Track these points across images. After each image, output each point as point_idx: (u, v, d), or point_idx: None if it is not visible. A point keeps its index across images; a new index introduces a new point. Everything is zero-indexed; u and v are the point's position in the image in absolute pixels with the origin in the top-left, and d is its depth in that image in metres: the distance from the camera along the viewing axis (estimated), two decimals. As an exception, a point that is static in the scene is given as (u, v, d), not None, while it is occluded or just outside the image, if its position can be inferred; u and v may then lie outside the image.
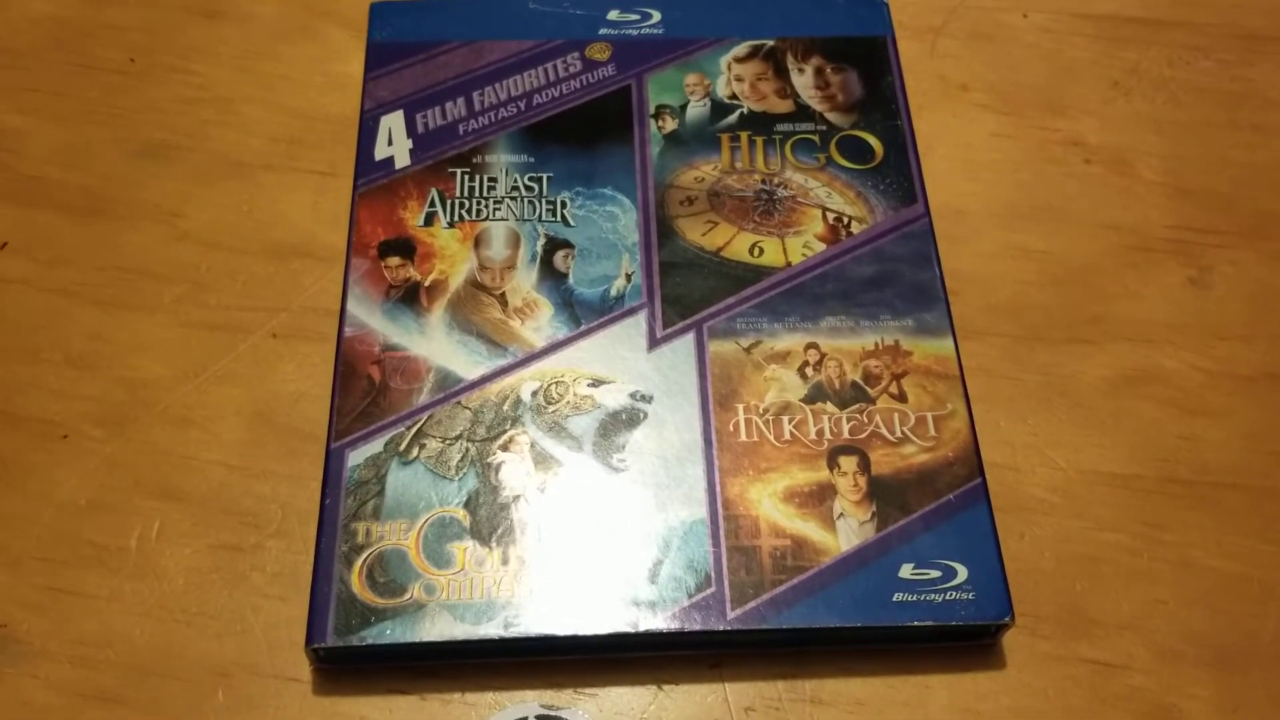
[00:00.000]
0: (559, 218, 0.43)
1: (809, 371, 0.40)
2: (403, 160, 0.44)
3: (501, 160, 0.45)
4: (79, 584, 0.38)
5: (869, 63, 0.48)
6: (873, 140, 0.46)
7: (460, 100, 0.46)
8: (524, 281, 0.42)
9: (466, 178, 0.44)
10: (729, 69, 0.47)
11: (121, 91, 0.48)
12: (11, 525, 0.39)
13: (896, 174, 0.45)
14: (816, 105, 0.47)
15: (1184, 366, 0.42)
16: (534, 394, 0.39)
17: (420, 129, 0.45)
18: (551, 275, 0.42)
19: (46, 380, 0.41)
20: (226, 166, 0.46)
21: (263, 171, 0.46)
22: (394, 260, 0.42)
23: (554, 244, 0.43)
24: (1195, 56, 0.50)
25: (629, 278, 0.42)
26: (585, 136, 0.45)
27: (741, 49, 0.48)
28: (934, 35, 0.50)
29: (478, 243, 0.43)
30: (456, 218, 0.43)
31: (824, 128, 0.46)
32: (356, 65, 0.48)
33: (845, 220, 0.44)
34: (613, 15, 0.49)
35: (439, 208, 0.44)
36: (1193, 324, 0.43)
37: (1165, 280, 0.44)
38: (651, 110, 0.46)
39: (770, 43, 0.48)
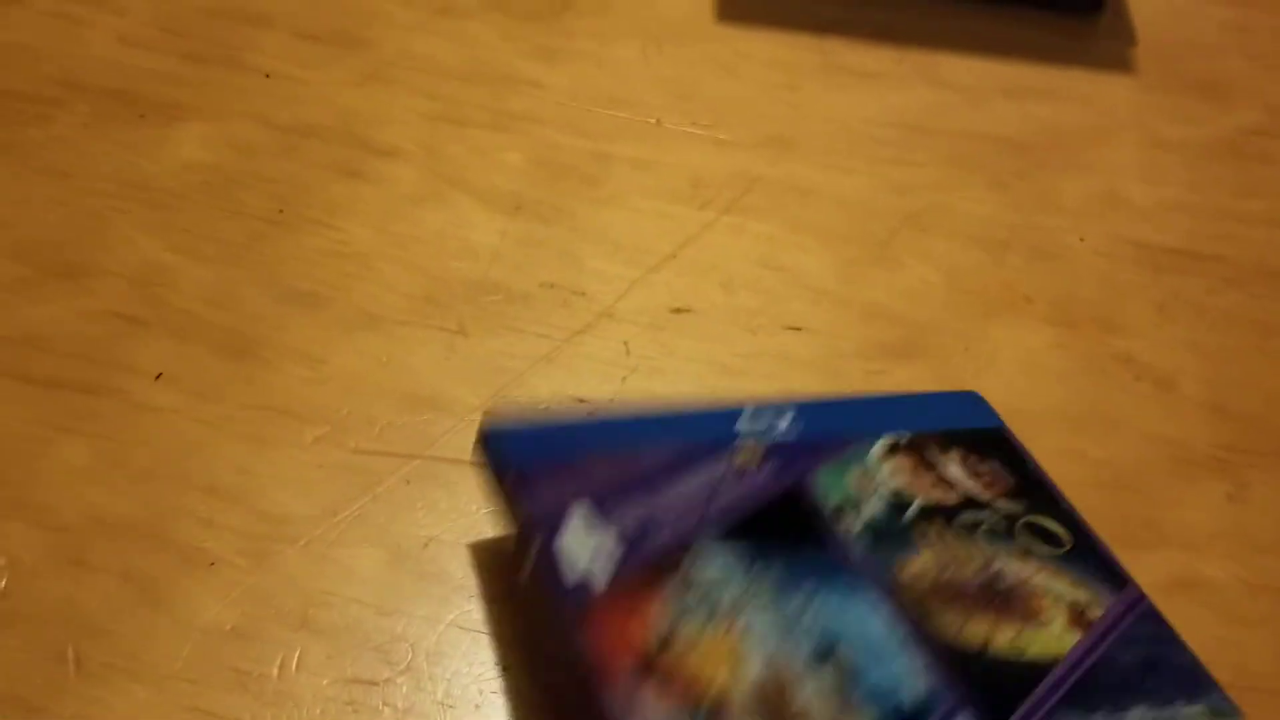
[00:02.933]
0: (804, 627, 0.40)
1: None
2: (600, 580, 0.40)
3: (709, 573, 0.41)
4: (221, 707, 0.41)
5: (1002, 452, 0.48)
6: (1053, 525, 0.46)
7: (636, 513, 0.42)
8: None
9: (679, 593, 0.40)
10: (882, 463, 0.46)
11: (268, 240, 0.53)
12: (158, 645, 0.42)
13: (1094, 556, 0.45)
14: (982, 494, 0.46)
15: (1226, 576, 0.47)
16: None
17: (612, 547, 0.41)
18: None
19: (195, 508, 0.45)
20: (364, 318, 0.51)
21: (397, 326, 0.51)
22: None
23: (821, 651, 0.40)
24: (1229, 288, 0.56)
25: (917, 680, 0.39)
26: (778, 540, 0.42)
27: (881, 446, 0.47)
28: (1002, 249, 0.56)
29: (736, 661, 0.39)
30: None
31: (1001, 514, 0.45)
32: (484, 232, 0.53)
33: (1081, 606, 0.43)
34: (743, 424, 0.46)
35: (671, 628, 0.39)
36: (1233, 536, 0.48)
37: (1208, 494, 0.49)
38: (831, 508, 0.44)
39: (906, 437, 0.47)
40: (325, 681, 0.41)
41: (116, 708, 0.40)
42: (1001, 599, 0.42)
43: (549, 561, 0.40)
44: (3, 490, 0.45)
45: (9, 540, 0.44)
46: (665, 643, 0.38)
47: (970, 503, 0.46)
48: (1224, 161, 0.61)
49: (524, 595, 0.44)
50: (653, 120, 0.59)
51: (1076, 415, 0.51)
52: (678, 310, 0.53)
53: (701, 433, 0.46)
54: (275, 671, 0.41)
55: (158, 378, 0.48)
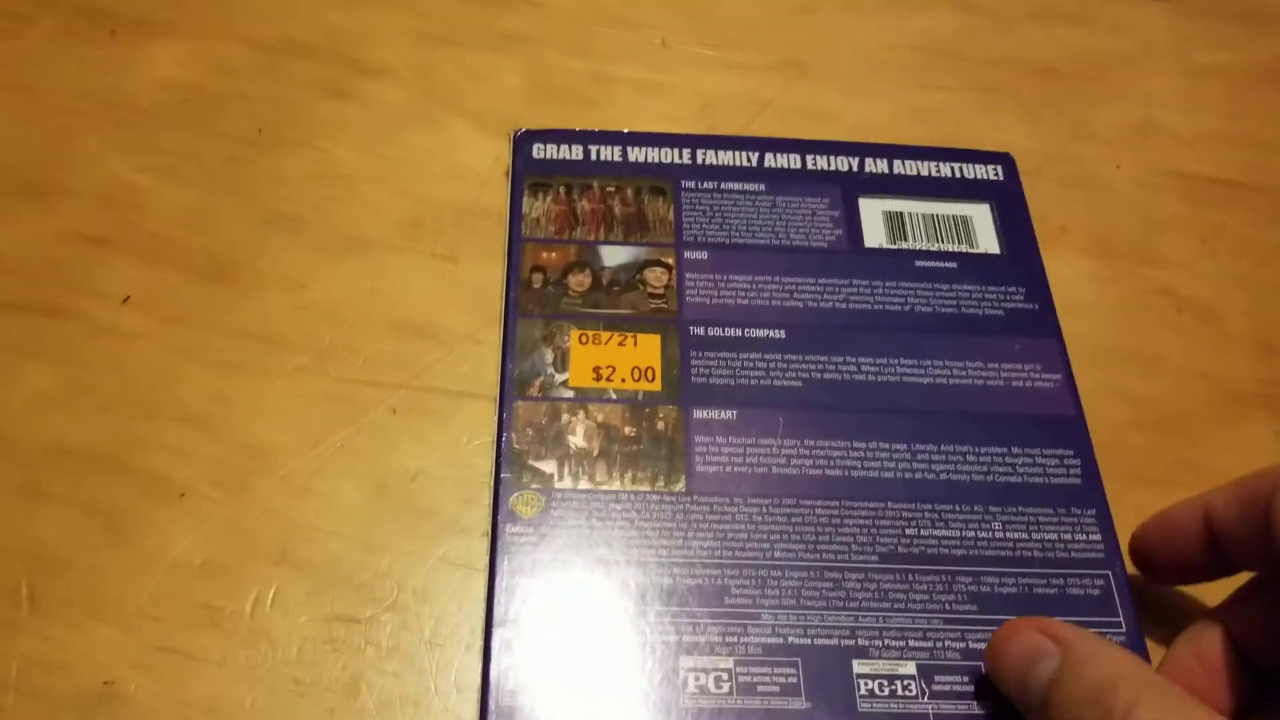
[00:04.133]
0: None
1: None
2: None
3: None
4: (190, 645, 0.37)
5: None
6: None
7: None
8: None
9: None
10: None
11: (247, 162, 0.49)
12: (124, 581, 0.38)
13: None
14: None
15: (1279, 517, 0.43)
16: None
17: None
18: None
19: (165, 438, 0.41)
20: (350, 243, 0.47)
21: (385, 251, 0.47)
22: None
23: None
24: (1274, 220, 0.53)
25: None
26: None
27: None
28: (1033, 179, 0.52)
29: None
30: None
31: None
32: (476, 156, 0.50)
33: None
34: None
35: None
36: (1283, 476, 0.45)
37: (1254, 433, 0.46)
38: None
39: None
40: (303, 619, 0.38)
41: (74, 647, 0.37)
42: None
43: None
44: (-44, 418, 0.42)
45: (-39, 470, 0.41)
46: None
47: None
48: (1265, 89, 0.57)
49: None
50: (658, 41, 0.55)
51: (1116, 350, 0.48)
52: (686, 237, 0.49)
53: None
54: (249, 608, 0.38)
55: (125, 301, 0.45)
